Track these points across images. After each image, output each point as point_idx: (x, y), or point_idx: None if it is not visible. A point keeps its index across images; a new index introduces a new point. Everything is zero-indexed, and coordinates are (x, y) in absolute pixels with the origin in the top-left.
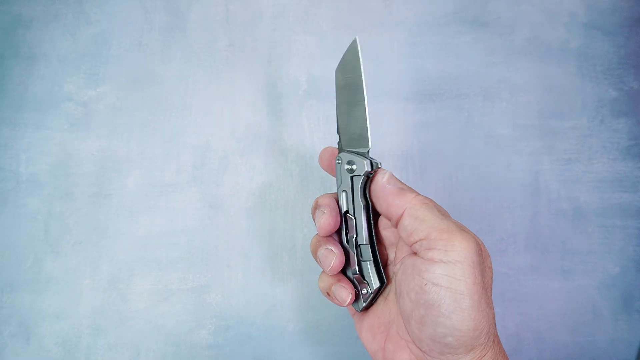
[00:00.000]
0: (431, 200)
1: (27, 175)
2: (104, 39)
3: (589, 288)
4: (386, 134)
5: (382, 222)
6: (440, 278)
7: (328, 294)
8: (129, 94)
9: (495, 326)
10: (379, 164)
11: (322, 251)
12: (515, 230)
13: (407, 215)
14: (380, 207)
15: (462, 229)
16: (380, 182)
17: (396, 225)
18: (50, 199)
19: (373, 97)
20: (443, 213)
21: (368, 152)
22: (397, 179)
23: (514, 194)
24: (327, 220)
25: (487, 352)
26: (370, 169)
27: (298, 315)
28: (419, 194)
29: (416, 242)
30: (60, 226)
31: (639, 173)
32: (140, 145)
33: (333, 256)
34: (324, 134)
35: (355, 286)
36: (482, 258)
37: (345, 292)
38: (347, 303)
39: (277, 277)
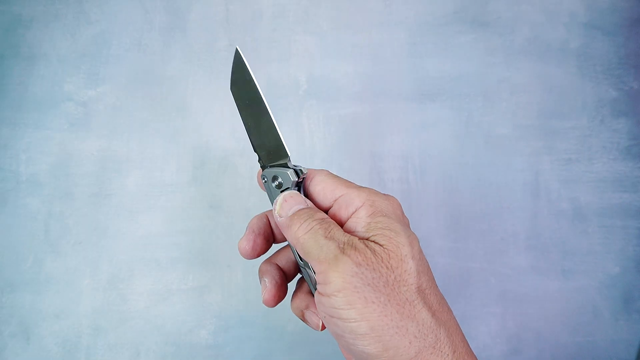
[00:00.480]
0: (318, 222)
1: (27, 175)
2: (104, 39)
3: (589, 288)
4: (386, 134)
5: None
6: (331, 311)
7: (303, 320)
8: (129, 94)
9: (434, 336)
10: (302, 169)
11: (261, 283)
12: (515, 230)
13: (299, 250)
14: None
15: (340, 252)
16: (274, 213)
17: None
18: (50, 199)
19: (373, 97)
20: (328, 233)
21: (288, 161)
22: (292, 197)
23: (514, 194)
24: (241, 244)
25: None
26: (297, 178)
27: None
28: (306, 217)
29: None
30: (60, 226)
31: (639, 173)
32: (140, 145)
33: (264, 289)
34: (324, 134)
35: None
36: (377, 274)
37: (315, 318)
38: (321, 328)
39: None
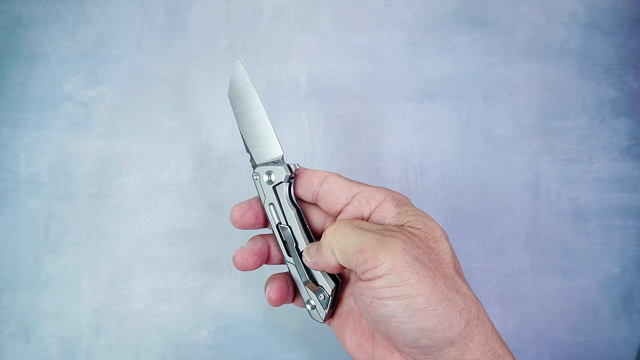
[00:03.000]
0: (342, 221)
1: (27, 175)
2: (104, 39)
3: (589, 288)
4: (386, 134)
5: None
6: (382, 291)
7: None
8: (129, 94)
9: (476, 308)
10: (297, 165)
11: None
12: (515, 230)
13: (338, 257)
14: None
15: (381, 235)
16: (306, 263)
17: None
18: (50, 199)
19: (373, 97)
20: (359, 225)
21: (282, 157)
22: (312, 245)
23: (514, 194)
24: (233, 209)
25: (474, 337)
26: (290, 173)
27: (298, 315)
28: (328, 231)
29: (355, 271)
30: (60, 226)
31: (639, 173)
32: (140, 145)
33: (240, 248)
34: (324, 134)
35: (311, 297)
36: (422, 251)
37: (267, 288)
38: (268, 296)
39: None
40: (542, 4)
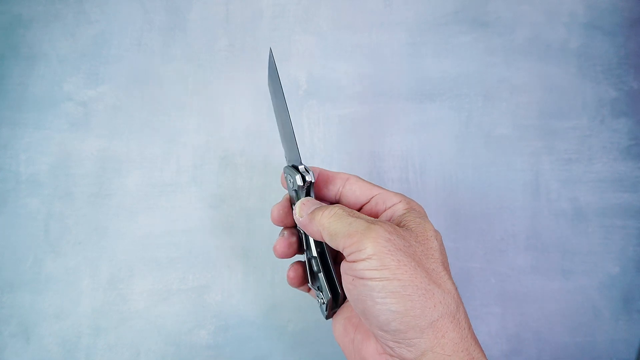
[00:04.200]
0: (339, 207)
1: (27, 175)
2: (104, 39)
3: (589, 288)
4: (386, 134)
5: None
6: (363, 272)
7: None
8: (129, 94)
9: (455, 306)
10: (311, 175)
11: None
12: (515, 230)
13: (325, 237)
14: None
15: (370, 223)
16: (295, 217)
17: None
18: (50, 199)
19: (373, 97)
20: (352, 214)
21: (300, 164)
22: (309, 201)
23: (514, 194)
24: (274, 209)
25: (447, 333)
26: (302, 184)
27: (298, 315)
28: (326, 207)
29: (343, 253)
30: (60, 226)
31: (639, 173)
32: (140, 145)
33: (279, 238)
34: (324, 134)
35: (318, 296)
36: (407, 243)
37: (288, 271)
38: (291, 279)
39: (277, 277)
40: (542, 4)
